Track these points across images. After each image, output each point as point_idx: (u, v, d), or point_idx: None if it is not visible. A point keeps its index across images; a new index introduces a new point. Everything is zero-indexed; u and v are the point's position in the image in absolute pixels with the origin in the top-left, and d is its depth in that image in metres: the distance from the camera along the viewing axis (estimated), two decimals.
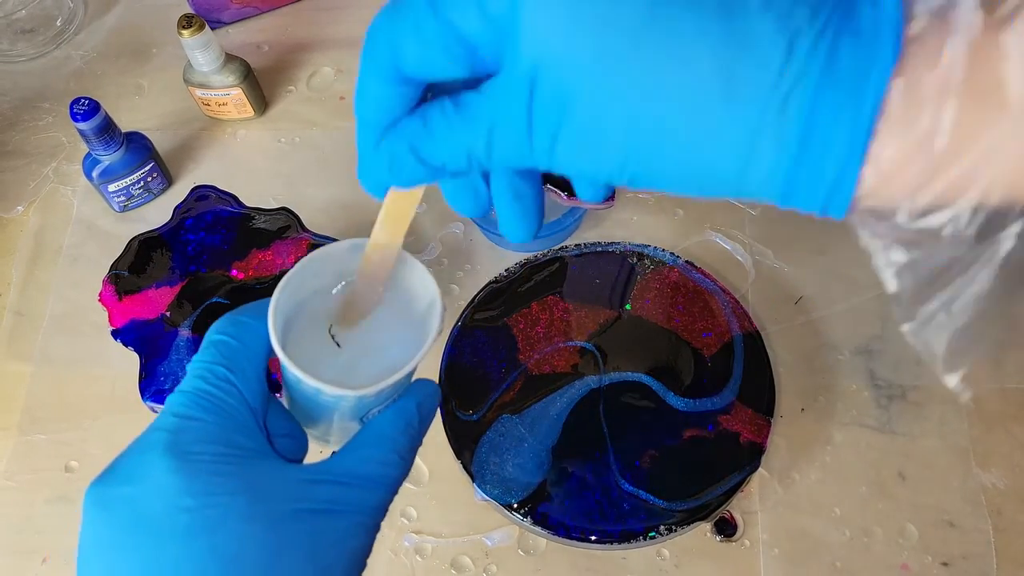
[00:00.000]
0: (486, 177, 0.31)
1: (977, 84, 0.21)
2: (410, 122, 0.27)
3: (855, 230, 0.25)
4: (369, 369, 0.36)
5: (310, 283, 0.37)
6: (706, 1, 0.22)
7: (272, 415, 0.36)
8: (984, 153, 0.21)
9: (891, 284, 0.24)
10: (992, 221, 0.22)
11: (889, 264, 0.24)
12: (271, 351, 0.34)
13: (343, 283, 0.37)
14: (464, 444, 0.52)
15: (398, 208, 0.32)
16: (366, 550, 0.34)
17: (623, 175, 0.25)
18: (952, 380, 0.25)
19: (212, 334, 0.35)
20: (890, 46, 0.21)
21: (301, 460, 0.37)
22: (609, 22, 0.22)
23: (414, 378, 0.37)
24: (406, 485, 0.55)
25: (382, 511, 0.35)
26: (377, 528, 0.34)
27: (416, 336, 0.36)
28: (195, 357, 0.34)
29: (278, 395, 0.38)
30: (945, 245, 0.23)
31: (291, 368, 0.33)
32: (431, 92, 0.28)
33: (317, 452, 0.37)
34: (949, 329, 0.24)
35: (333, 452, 0.36)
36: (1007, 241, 0.23)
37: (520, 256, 0.60)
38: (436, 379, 0.55)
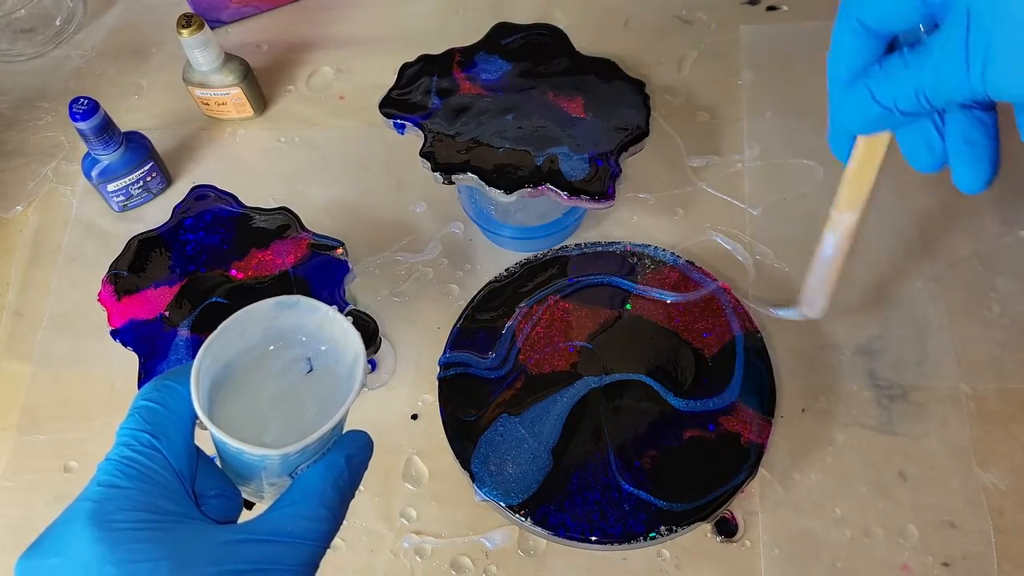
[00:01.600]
0: (939, 130, 0.33)
1: None
2: (871, 68, 0.31)
3: None
4: (299, 426, 0.36)
5: (236, 343, 0.37)
6: None
7: (203, 475, 0.36)
8: None
9: None
10: None
11: None
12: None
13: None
14: (464, 444, 0.52)
15: (865, 160, 0.35)
16: None
17: None
18: None
19: (138, 400, 0.35)
20: None
21: (235, 519, 0.37)
22: None
23: (346, 429, 0.37)
24: (406, 485, 0.55)
25: (313, 566, 0.35)
26: None
27: (342, 390, 0.36)
28: (121, 424, 0.34)
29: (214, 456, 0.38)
30: None
31: (213, 431, 0.33)
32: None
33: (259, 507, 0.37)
34: None
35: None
36: None
37: (520, 256, 0.60)
38: (436, 381, 0.55)
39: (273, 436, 0.36)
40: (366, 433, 0.38)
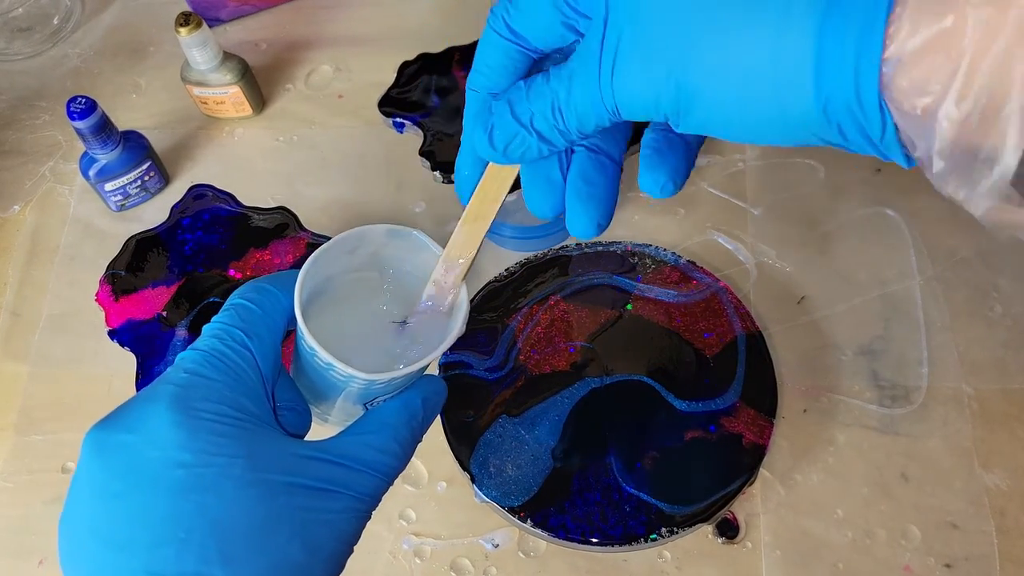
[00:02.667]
0: (562, 167, 0.33)
1: None
2: (514, 88, 0.31)
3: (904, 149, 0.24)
4: (383, 356, 0.36)
5: (341, 261, 0.37)
6: None
7: (280, 386, 0.36)
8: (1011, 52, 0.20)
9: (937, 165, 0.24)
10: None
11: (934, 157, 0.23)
12: (291, 323, 0.34)
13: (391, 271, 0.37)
14: (464, 445, 0.52)
15: (494, 184, 0.34)
16: (355, 536, 0.34)
17: (675, 107, 0.26)
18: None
19: (235, 298, 0.35)
20: None
21: (303, 436, 0.37)
22: None
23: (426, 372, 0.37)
24: (405, 486, 0.55)
25: (376, 499, 0.35)
26: (368, 516, 0.34)
27: (437, 332, 0.36)
28: (215, 318, 0.34)
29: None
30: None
31: (308, 340, 0.33)
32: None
33: (318, 431, 0.37)
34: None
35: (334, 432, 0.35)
36: None
37: (520, 256, 0.60)
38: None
39: (357, 361, 0.35)
40: (442, 380, 0.38)
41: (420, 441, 0.37)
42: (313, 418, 0.39)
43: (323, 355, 0.33)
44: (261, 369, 0.33)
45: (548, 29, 0.30)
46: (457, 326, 0.35)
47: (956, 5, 0.21)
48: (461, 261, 0.36)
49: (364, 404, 0.36)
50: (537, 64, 0.32)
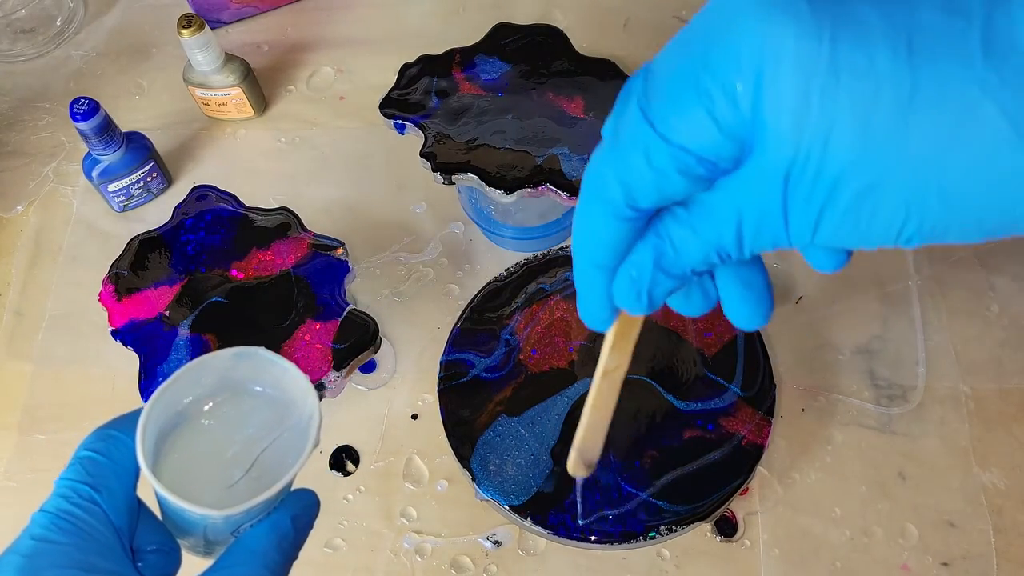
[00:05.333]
0: (712, 273, 0.30)
1: None
2: (646, 244, 0.27)
3: None
4: (244, 482, 0.35)
5: (189, 391, 0.36)
6: (971, 51, 0.21)
7: (143, 528, 0.35)
8: None
9: None
10: None
11: None
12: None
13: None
14: (464, 444, 0.52)
15: (627, 328, 0.31)
16: None
17: (898, 240, 0.24)
18: None
19: (81, 450, 0.34)
20: None
21: (173, 575, 0.36)
22: (870, 100, 0.21)
23: (295, 486, 0.36)
24: (406, 485, 0.55)
25: None
26: None
27: (294, 449, 0.35)
28: (61, 473, 0.33)
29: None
30: None
31: (156, 486, 0.33)
32: None
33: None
34: None
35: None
36: None
37: (520, 256, 0.60)
38: (436, 380, 0.55)
39: (221, 488, 0.35)
40: (313, 492, 0.37)
41: (296, 559, 0.35)
42: (189, 552, 0.38)
43: (172, 500, 0.32)
44: (114, 522, 0.33)
45: (680, 192, 0.25)
46: (310, 442, 0.35)
47: None
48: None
49: (232, 533, 0.35)
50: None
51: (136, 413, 0.34)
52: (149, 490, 0.34)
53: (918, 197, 0.22)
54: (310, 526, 0.37)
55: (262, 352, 0.36)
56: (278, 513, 0.35)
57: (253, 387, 0.38)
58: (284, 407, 0.37)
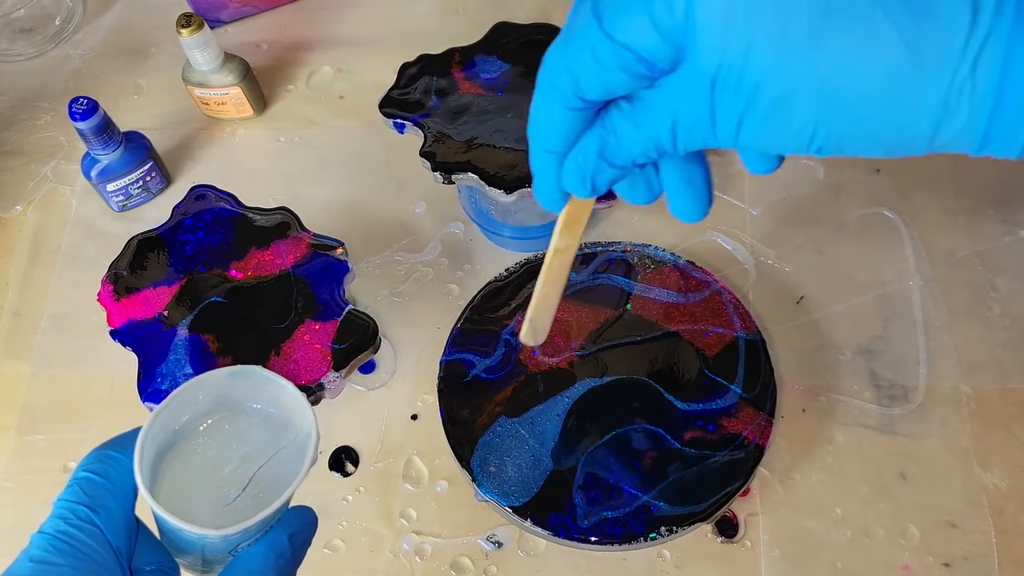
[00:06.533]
0: (656, 166, 0.32)
1: None
2: (592, 134, 0.29)
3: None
4: (244, 501, 0.35)
5: (186, 410, 0.36)
6: None
7: (142, 547, 0.35)
8: None
9: None
10: None
11: None
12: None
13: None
14: (464, 445, 0.52)
15: (576, 212, 0.33)
16: None
17: (809, 148, 0.26)
18: None
19: (79, 471, 0.34)
20: None
21: None
22: (788, 15, 0.23)
23: (293, 503, 0.36)
24: (406, 486, 0.55)
25: None
26: None
27: (292, 467, 0.35)
28: (59, 495, 0.33)
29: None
30: None
31: (153, 507, 0.33)
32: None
33: None
34: None
35: None
36: None
37: (520, 256, 0.60)
38: (436, 381, 0.55)
39: (219, 507, 0.35)
40: (311, 509, 0.37)
41: None
42: (187, 571, 0.38)
43: (171, 521, 0.32)
44: (112, 543, 0.33)
45: (622, 87, 0.27)
46: (307, 459, 0.35)
47: None
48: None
49: (230, 552, 0.35)
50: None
51: (134, 433, 0.34)
52: (147, 509, 0.34)
53: (826, 108, 0.24)
54: (308, 544, 0.37)
55: (259, 370, 0.37)
56: (275, 531, 0.35)
57: (250, 405, 0.38)
58: (281, 425, 0.37)
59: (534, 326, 0.37)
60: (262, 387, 0.37)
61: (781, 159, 0.30)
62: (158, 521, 0.35)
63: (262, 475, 0.36)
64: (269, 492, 0.35)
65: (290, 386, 0.36)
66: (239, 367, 0.36)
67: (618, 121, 0.28)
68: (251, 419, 0.38)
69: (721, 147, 0.27)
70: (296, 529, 0.36)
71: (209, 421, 0.37)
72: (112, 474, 0.34)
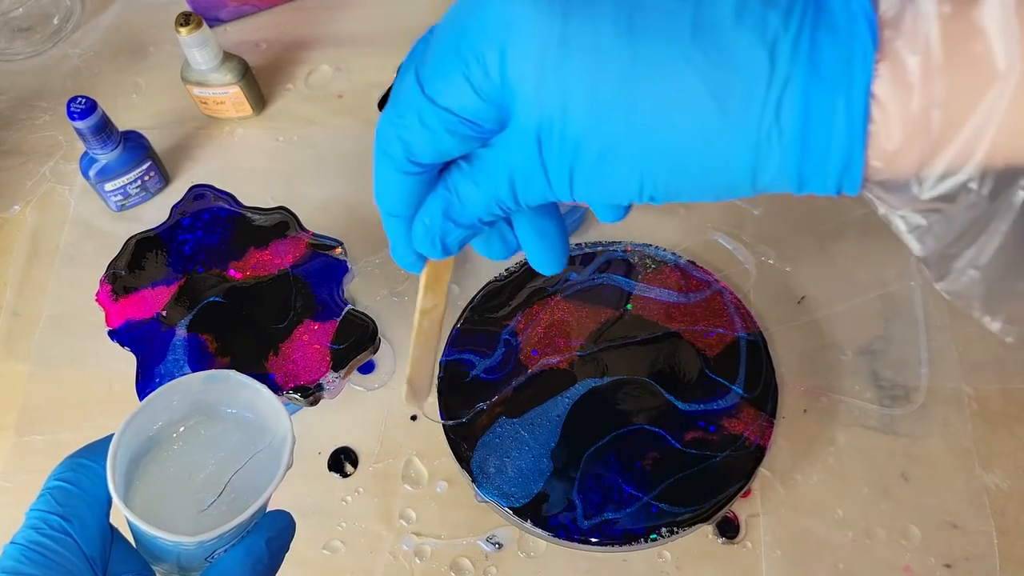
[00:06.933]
0: (510, 223, 0.33)
1: (960, 59, 0.21)
2: (436, 196, 0.29)
3: (872, 202, 0.25)
4: (219, 506, 0.35)
5: (161, 416, 0.36)
6: (681, 30, 0.23)
7: (117, 555, 0.35)
8: (981, 123, 0.22)
9: (916, 248, 0.25)
10: (1003, 178, 0.23)
11: (911, 230, 0.25)
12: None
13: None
14: (463, 445, 0.52)
15: (437, 272, 0.34)
16: None
17: (641, 197, 0.26)
18: (995, 325, 0.26)
19: (51, 480, 0.34)
20: (867, 34, 0.22)
21: None
22: (597, 73, 0.24)
23: (270, 507, 0.36)
24: (405, 486, 0.55)
25: None
26: None
27: (267, 471, 0.35)
28: (32, 504, 0.33)
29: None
30: (961, 207, 0.23)
31: (127, 515, 0.32)
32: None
33: None
34: (981, 283, 0.25)
35: None
36: (1021, 192, 0.23)
37: (520, 256, 0.60)
38: (436, 380, 0.55)
39: (194, 513, 0.35)
40: (288, 514, 0.37)
41: None
42: None
43: (144, 528, 0.32)
44: (86, 552, 0.32)
45: (452, 149, 0.28)
46: (283, 463, 0.35)
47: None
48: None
49: (206, 558, 0.35)
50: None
51: (107, 440, 0.34)
52: (122, 517, 0.34)
53: (648, 162, 0.25)
54: (286, 548, 0.36)
55: (233, 375, 0.37)
56: (252, 537, 0.35)
57: (225, 410, 0.38)
58: (257, 429, 0.37)
59: (414, 387, 0.37)
60: (237, 391, 0.37)
61: (628, 208, 0.31)
62: (132, 529, 0.35)
63: (237, 480, 0.36)
64: (245, 497, 0.35)
65: (265, 390, 0.36)
66: (213, 371, 0.36)
67: (459, 181, 0.28)
68: (226, 424, 0.38)
69: (561, 200, 0.28)
70: (274, 534, 0.36)
71: (184, 427, 0.37)
72: (85, 483, 0.34)
